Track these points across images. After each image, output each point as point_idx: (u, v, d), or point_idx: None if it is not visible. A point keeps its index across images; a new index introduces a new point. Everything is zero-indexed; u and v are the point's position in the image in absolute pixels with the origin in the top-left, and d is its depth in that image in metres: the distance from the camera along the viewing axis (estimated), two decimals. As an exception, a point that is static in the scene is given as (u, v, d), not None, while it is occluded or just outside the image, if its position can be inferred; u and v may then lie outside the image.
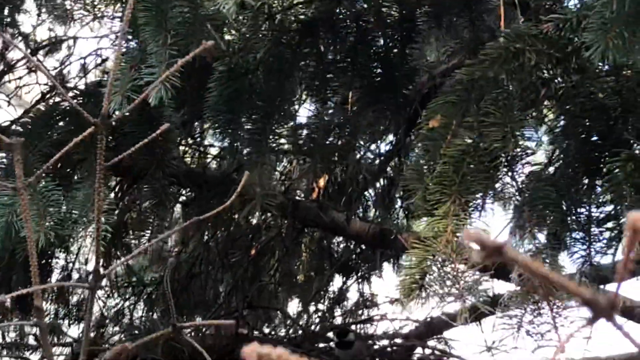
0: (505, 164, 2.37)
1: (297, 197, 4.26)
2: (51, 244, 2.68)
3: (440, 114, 2.41)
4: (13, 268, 3.19)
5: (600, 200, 2.43)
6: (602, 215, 2.46)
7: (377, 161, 4.39)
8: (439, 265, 2.21)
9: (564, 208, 2.45)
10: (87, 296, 1.95)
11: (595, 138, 2.46)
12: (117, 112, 2.55)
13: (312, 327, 4.67)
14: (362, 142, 3.93)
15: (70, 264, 4.37)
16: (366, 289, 5.15)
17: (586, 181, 2.48)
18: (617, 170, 2.27)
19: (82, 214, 2.81)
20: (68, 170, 3.04)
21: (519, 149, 2.38)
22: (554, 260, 2.47)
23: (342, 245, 4.94)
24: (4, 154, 3.01)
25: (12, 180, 2.04)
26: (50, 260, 3.98)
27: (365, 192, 4.64)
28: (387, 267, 5.05)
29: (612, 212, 2.43)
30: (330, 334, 4.10)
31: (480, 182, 2.33)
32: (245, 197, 2.71)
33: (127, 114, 1.80)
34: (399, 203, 4.58)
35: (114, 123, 1.81)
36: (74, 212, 2.81)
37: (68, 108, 3.14)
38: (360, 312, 5.13)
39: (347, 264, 4.94)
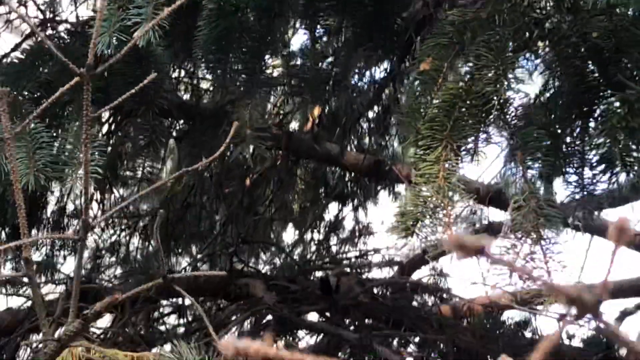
0: (498, 107, 2.34)
1: (290, 129, 4.23)
2: (42, 187, 2.66)
3: (432, 57, 2.38)
4: (8, 201, 3.17)
5: (594, 143, 2.40)
6: (595, 158, 2.43)
7: (372, 89, 4.34)
8: (431, 212, 2.19)
9: (557, 151, 2.43)
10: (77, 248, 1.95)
11: (588, 79, 2.42)
12: (105, 53, 2.52)
13: (306, 259, 4.67)
14: (356, 71, 3.87)
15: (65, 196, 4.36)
16: (362, 216, 5.16)
17: (579, 123, 2.45)
18: (611, 113, 2.25)
19: (73, 155, 2.79)
20: (57, 110, 3.00)
21: (511, 92, 2.34)
22: (548, 189, 2.46)
23: (337, 175, 4.93)
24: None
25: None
26: (45, 193, 3.96)
27: (360, 121, 4.61)
28: (383, 194, 5.05)
29: (606, 155, 2.40)
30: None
31: (472, 126, 2.31)
32: (236, 138, 2.68)
33: (114, 62, 1.76)
34: (394, 131, 4.55)
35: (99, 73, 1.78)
36: (65, 153, 2.79)
37: (56, 48, 3.09)
38: (355, 240, 5.15)
39: (343, 192, 4.94)
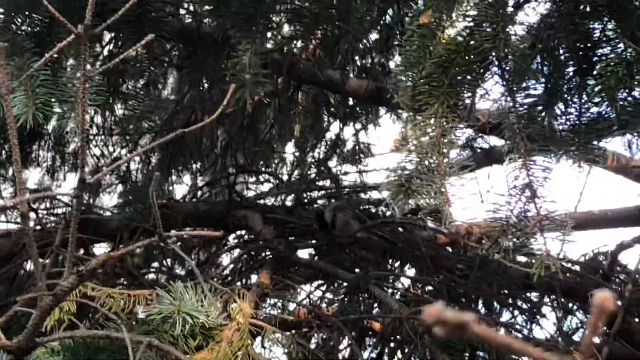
0: (496, 63, 2.33)
1: (292, 55, 4.20)
2: (39, 125, 2.67)
3: (432, 9, 2.36)
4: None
5: (591, 101, 2.39)
6: (592, 116, 2.43)
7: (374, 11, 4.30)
8: (425, 169, 2.20)
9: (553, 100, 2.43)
10: (72, 205, 1.96)
11: (588, 37, 2.40)
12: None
13: (304, 187, 4.68)
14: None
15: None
16: (363, 137, 5.17)
17: (577, 80, 2.44)
18: (609, 72, 2.23)
19: (71, 92, 2.78)
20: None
21: (509, 49, 2.32)
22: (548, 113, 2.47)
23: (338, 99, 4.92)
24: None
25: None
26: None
27: (362, 43, 4.57)
28: (385, 117, 5.05)
29: (604, 113, 2.40)
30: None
31: (469, 82, 2.30)
32: (235, 83, 2.67)
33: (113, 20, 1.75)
34: (397, 53, 4.51)
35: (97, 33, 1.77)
36: (62, 91, 2.79)
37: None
38: (356, 161, 5.15)
39: (344, 114, 4.93)
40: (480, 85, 2.35)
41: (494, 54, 2.28)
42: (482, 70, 2.33)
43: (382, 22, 4.48)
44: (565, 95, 2.45)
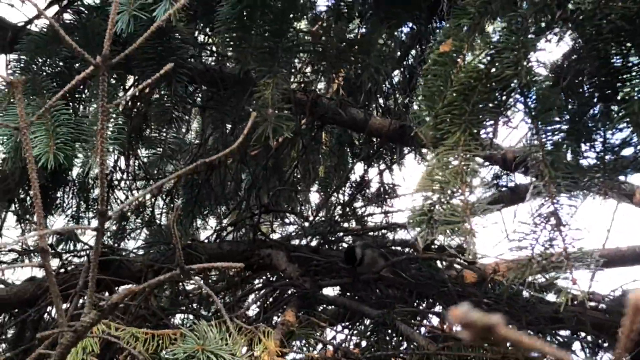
0: (518, 90, 2.30)
1: (315, 94, 4.20)
2: (60, 165, 2.66)
3: (452, 38, 2.35)
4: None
5: (615, 127, 2.37)
6: (617, 142, 2.40)
7: (398, 51, 4.30)
8: (448, 197, 2.17)
9: (578, 135, 2.40)
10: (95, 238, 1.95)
11: (611, 62, 2.38)
12: (123, 32, 2.50)
13: (330, 223, 4.65)
14: (382, 33, 3.82)
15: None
16: (388, 178, 5.15)
17: (601, 107, 2.42)
18: (633, 98, 2.21)
19: (92, 132, 2.78)
20: (77, 88, 3.00)
21: (532, 76, 2.30)
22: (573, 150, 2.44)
23: (362, 139, 4.91)
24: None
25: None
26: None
27: (385, 83, 4.58)
28: (409, 157, 5.04)
29: (628, 139, 2.37)
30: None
31: (491, 110, 2.28)
32: (258, 118, 2.66)
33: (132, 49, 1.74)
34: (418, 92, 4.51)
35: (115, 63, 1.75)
36: (85, 131, 2.79)
37: (75, 23, 3.09)
38: (380, 202, 5.13)
39: (368, 154, 4.92)
40: (502, 113, 2.33)
41: (515, 81, 2.26)
42: (504, 98, 2.31)
43: (405, 62, 4.49)
44: (589, 123, 2.43)
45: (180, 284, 3.94)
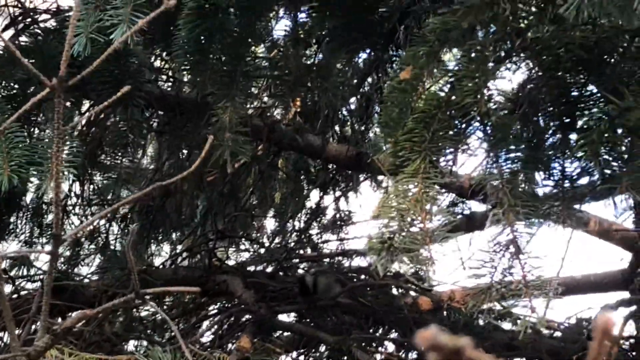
0: (478, 118, 2.31)
1: (272, 120, 4.19)
2: (14, 187, 2.63)
3: (412, 65, 2.35)
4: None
5: (574, 156, 2.38)
6: (575, 171, 2.42)
7: (354, 78, 4.31)
8: (408, 225, 2.17)
9: (536, 163, 2.41)
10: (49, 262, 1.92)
11: (570, 91, 2.40)
12: (80, 55, 2.48)
13: (287, 250, 4.64)
14: (339, 60, 3.83)
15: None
16: (344, 205, 5.15)
17: (560, 135, 2.43)
18: (592, 127, 2.22)
19: (48, 155, 2.75)
20: (33, 111, 2.97)
21: (491, 104, 2.31)
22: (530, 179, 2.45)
23: (318, 166, 4.91)
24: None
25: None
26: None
27: (342, 110, 4.59)
28: (365, 184, 5.05)
29: (586, 168, 2.39)
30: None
31: (451, 138, 2.28)
32: (215, 142, 2.65)
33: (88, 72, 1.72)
34: (376, 119, 4.52)
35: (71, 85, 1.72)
36: (39, 154, 2.76)
37: (32, 45, 3.06)
38: (337, 229, 5.13)
39: (324, 181, 4.92)
40: (462, 141, 2.33)
41: (475, 109, 2.26)
42: (464, 126, 2.32)
43: (361, 89, 4.50)
44: (548, 151, 2.44)
45: (135, 310, 3.91)
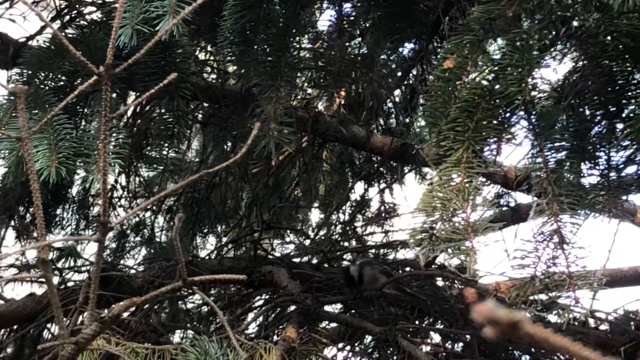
0: (522, 107, 2.29)
1: (317, 111, 4.20)
2: (62, 179, 2.65)
3: (456, 55, 2.34)
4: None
5: (620, 145, 2.36)
6: (621, 160, 2.40)
7: (399, 70, 4.30)
8: (450, 215, 2.16)
9: (582, 153, 2.39)
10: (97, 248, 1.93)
11: (616, 80, 2.37)
12: (126, 46, 2.49)
13: (331, 242, 4.65)
14: (383, 51, 3.81)
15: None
16: (388, 197, 5.14)
17: (606, 124, 2.41)
18: (638, 114, 2.20)
19: (95, 146, 2.77)
20: (80, 100, 2.99)
21: (536, 92, 2.29)
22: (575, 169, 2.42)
23: (363, 157, 4.91)
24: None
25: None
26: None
27: (387, 102, 4.58)
28: (410, 176, 5.03)
29: (633, 157, 2.37)
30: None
31: (495, 127, 2.27)
32: (260, 133, 2.65)
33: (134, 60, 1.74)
34: (420, 110, 4.50)
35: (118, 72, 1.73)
36: (86, 146, 2.77)
37: (78, 37, 3.09)
38: (381, 221, 5.12)
39: (369, 174, 4.91)
40: (506, 130, 2.32)
41: (519, 98, 2.24)
42: (508, 115, 2.30)
43: (406, 80, 4.49)
44: (594, 141, 2.42)
45: (181, 302, 3.93)
